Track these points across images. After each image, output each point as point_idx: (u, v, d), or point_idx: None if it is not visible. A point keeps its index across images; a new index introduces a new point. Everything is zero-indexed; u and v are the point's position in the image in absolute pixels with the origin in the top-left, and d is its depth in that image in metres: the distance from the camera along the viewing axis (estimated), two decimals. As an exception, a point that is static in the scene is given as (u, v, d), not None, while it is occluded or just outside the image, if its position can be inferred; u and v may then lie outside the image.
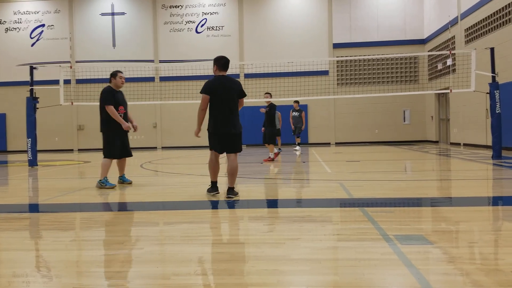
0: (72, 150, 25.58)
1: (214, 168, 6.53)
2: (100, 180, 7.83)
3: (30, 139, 13.11)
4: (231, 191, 6.43)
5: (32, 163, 13.06)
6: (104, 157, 7.92)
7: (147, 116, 25.35)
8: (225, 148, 6.42)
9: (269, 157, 13.10)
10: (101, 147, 8.10)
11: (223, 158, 6.41)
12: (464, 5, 18.85)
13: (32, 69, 13.71)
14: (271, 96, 13.54)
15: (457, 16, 19.45)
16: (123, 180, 8.32)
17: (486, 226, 4.48)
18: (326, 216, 5.08)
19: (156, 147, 25.43)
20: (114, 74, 8.10)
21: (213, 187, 6.58)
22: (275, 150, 13.04)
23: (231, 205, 5.89)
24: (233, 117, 6.32)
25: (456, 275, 2.97)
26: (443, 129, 22.69)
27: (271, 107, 13.32)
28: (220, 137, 6.34)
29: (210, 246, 4.02)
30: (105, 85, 8.20)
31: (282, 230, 4.41)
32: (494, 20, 16.30)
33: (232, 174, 6.45)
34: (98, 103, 7.94)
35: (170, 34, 25.50)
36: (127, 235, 4.38)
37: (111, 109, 7.77)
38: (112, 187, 7.80)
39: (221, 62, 6.44)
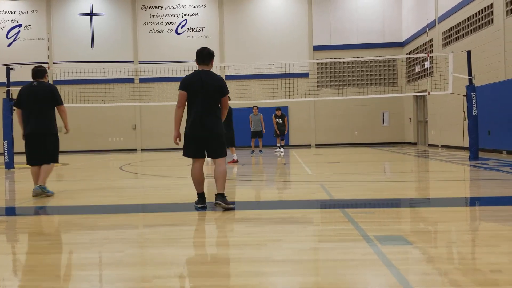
0: (49, 152, 25.11)
1: (198, 178, 5.59)
2: (43, 186, 6.96)
3: (6, 141, 12.87)
4: (219, 197, 5.49)
5: (9, 165, 12.81)
6: (55, 162, 7.14)
7: (126, 118, 25.11)
8: (203, 152, 5.61)
9: (233, 159, 13.13)
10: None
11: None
12: (441, 8, 19.18)
13: (8, 69, 13.48)
14: (229, 99, 13.56)
15: (435, 20, 19.78)
16: (44, 190, 7.02)
17: (464, 226, 4.57)
18: (307, 218, 5.10)
19: (135, 149, 25.19)
20: (46, 70, 7.33)
21: (200, 199, 5.62)
22: (234, 157, 13.16)
23: (212, 207, 5.84)
24: (212, 117, 5.58)
25: (435, 274, 3.01)
26: (421, 131, 23.03)
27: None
28: (195, 139, 5.52)
29: (191, 248, 4.00)
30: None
31: (264, 231, 4.41)
32: (471, 23, 16.62)
33: (219, 178, 5.54)
34: (41, 99, 6.98)
35: (150, 35, 25.32)
36: (107, 238, 4.32)
37: (65, 110, 7.10)
38: (52, 194, 7.09)
39: (200, 55, 5.65)
